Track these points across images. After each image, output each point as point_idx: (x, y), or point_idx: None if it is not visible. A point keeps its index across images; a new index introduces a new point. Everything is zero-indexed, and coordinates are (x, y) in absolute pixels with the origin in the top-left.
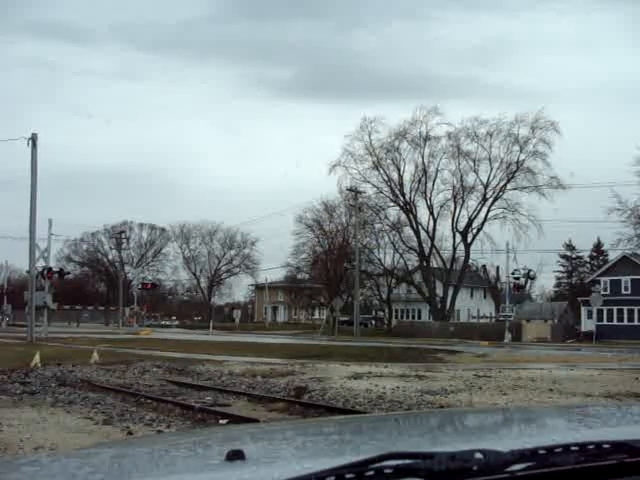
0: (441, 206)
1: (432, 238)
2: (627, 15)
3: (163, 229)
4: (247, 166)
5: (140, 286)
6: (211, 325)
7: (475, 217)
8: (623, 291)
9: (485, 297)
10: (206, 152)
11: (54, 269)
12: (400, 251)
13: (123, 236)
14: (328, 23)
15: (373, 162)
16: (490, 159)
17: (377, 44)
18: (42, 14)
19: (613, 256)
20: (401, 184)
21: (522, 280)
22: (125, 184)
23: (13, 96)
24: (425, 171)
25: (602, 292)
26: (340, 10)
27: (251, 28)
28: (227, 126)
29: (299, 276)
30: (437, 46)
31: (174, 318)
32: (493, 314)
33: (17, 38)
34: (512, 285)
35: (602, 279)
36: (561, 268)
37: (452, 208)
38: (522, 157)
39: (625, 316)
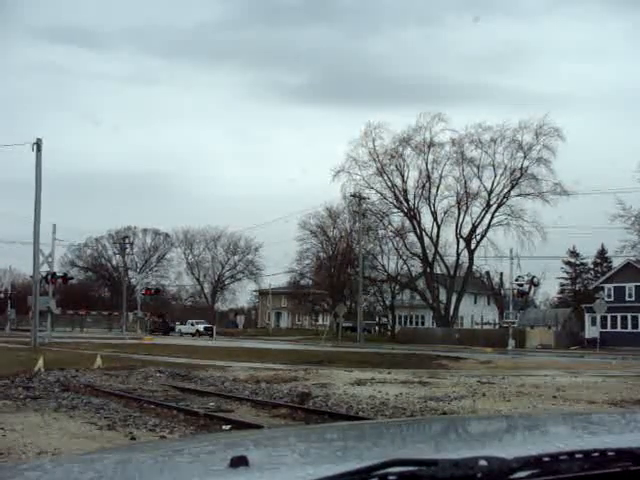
0: (445, 212)
1: (436, 244)
2: (631, 21)
3: (167, 234)
4: (252, 171)
5: (143, 291)
6: (214, 331)
7: (479, 223)
8: (627, 298)
9: (489, 303)
10: (212, 157)
11: (58, 274)
12: (404, 257)
13: (127, 241)
14: (341, 29)
15: (377, 168)
16: (494, 165)
17: (390, 50)
18: (53, 18)
19: (617, 263)
20: (405, 190)
21: (526, 287)
22: (129, 189)
23: (22, 100)
24: (429, 177)
25: (606, 299)
26: (353, 16)
27: (264, 33)
28: (234, 131)
29: (303, 282)
30: (449, 52)
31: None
32: (497, 320)
33: (27, 42)
34: (516, 292)
35: (606, 286)
36: (565, 275)
37: (456, 214)
38: (526, 163)
39: (629, 323)
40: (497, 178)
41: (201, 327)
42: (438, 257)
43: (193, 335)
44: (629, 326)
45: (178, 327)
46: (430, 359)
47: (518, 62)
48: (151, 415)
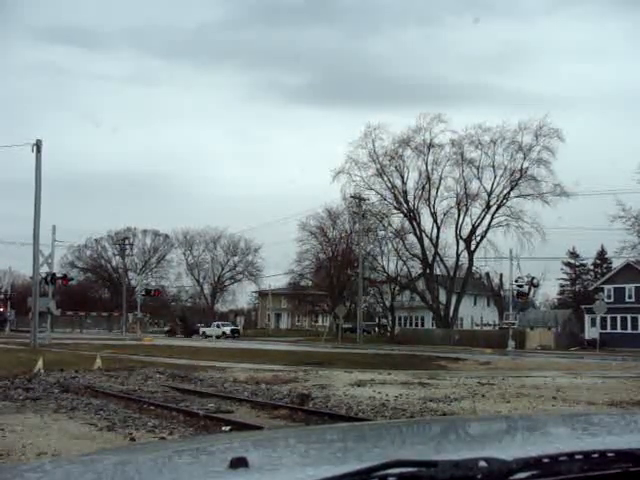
0: (444, 213)
1: (435, 245)
2: (631, 21)
3: (167, 235)
4: (252, 171)
5: (143, 293)
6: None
7: (479, 224)
8: (627, 299)
9: (489, 305)
10: (212, 157)
11: (58, 275)
12: (403, 258)
13: (127, 242)
14: (341, 29)
15: (377, 169)
16: (494, 166)
17: (390, 50)
18: (53, 19)
19: (617, 264)
20: (405, 191)
21: (526, 288)
22: (129, 190)
23: (22, 100)
24: (429, 178)
25: (606, 300)
26: (353, 16)
27: (264, 33)
28: (234, 131)
29: (302, 283)
30: (449, 52)
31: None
32: (497, 322)
33: (27, 42)
34: (516, 293)
35: (606, 287)
36: (565, 276)
37: (456, 215)
38: (526, 165)
39: (629, 324)
40: (497, 179)
41: (227, 329)
42: (438, 258)
43: (218, 337)
44: (629, 327)
45: (202, 329)
46: (430, 360)
47: (518, 62)
48: (151, 416)
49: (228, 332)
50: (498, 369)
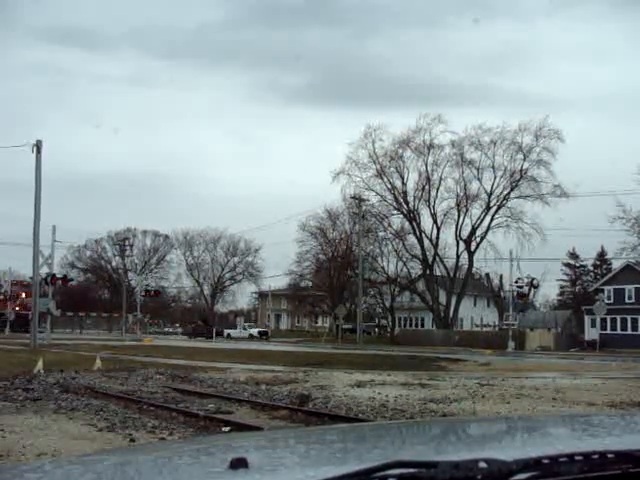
0: (445, 214)
1: (435, 246)
2: (630, 22)
3: (166, 236)
4: (252, 172)
5: (143, 293)
6: (214, 332)
7: (479, 225)
8: (627, 300)
9: (488, 306)
10: (212, 158)
11: (58, 275)
12: (403, 259)
13: (127, 243)
14: (341, 29)
15: (377, 170)
16: (494, 167)
17: (390, 50)
18: (54, 19)
19: (617, 265)
20: (405, 192)
21: (525, 289)
22: (129, 190)
23: (22, 100)
24: (429, 179)
25: (606, 301)
26: (353, 16)
27: (264, 34)
28: (234, 132)
29: (302, 284)
30: (449, 52)
31: (177, 325)
32: (496, 323)
33: (28, 43)
34: (516, 294)
35: (606, 288)
36: (565, 277)
37: (456, 216)
38: (526, 165)
39: (629, 325)
40: (497, 180)
41: (255, 331)
42: (438, 259)
43: (244, 339)
44: (629, 328)
45: (227, 331)
46: (430, 361)
47: (518, 63)
48: (150, 417)
49: (256, 334)
50: (498, 370)
